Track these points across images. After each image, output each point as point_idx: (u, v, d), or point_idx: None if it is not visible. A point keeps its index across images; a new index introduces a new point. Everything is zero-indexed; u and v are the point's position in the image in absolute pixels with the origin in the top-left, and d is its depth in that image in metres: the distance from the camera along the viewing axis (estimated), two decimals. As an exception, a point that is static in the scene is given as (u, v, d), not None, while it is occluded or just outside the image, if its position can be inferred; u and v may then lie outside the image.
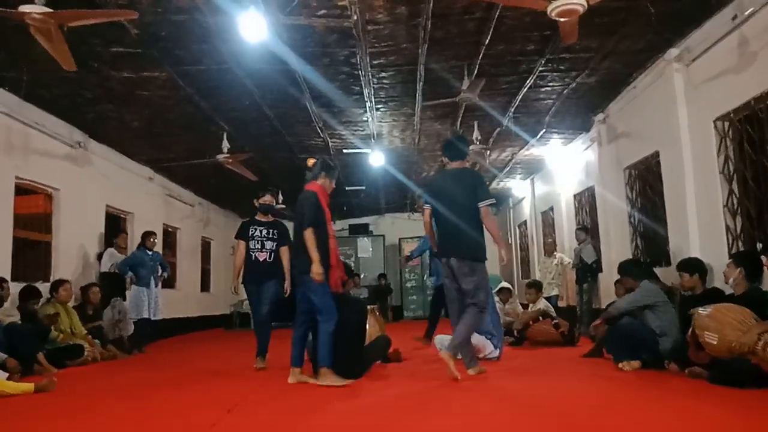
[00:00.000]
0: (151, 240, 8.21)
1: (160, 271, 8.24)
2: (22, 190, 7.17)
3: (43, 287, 6.78)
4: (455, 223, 4.68)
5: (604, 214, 8.51)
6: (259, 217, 5.92)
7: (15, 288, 6.28)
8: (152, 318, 8.00)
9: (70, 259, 7.95)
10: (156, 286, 8.08)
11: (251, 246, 5.76)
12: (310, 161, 5.06)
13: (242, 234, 5.87)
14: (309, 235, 4.53)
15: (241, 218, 16.21)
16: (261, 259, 5.75)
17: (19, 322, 5.91)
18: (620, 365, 4.87)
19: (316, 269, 4.45)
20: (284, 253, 5.77)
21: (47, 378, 4.69)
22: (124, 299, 8.06)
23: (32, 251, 7.45)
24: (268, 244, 5.79)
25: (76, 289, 7.38)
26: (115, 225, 9.41)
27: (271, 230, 5.86)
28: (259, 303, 5.75)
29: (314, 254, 4.47)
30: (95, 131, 8.29)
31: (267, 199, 5.97)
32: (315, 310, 4.60)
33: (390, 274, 15.89)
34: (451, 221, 4.70)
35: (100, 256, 8.34)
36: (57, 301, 6.72)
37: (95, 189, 8.65)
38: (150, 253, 8.15)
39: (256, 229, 5.83)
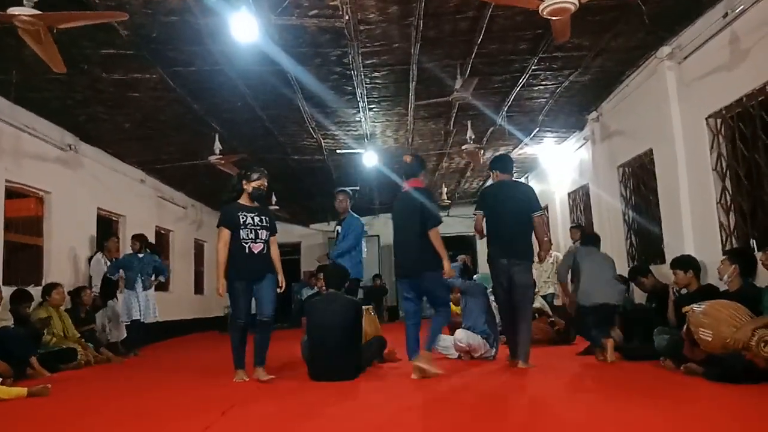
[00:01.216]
0: (137, 244, 8.04)
1: (154, 275, 8.14)
2: (12, 194, 7.12)
3: (35, 291, 6.73)
4: (514, 227, 5.17)
5: (598, 212, 8.54)
6: (244, 202, 5.02)
7: (6, 292, 6.21)
8: (143, 321, 7.90)
9: (62, 262, 7.90)
10: (145, 289, 7.91)
11: (243, 236, 4.87)
12: (408, 158, 5.12)
13: (229, 221, 4.90)
14: (437, 234, 4.77)
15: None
16: (256, 252, 4.90)
17: (11, 326, 5.86)
18: (603, 342, 5.28)
19: (449, 267, 4.79)
20: (274, 243, 5.10)
21: (41, 384, 4.64)
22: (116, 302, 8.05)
23: (24, 255, 7.39)
24: (263, 234, 4.95)
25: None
26: (107, 228, 9.37)
27: (263, 217, 5.02)
28: (249, 303, 4.94)
29: (443, 252, 4.75)
30: (86, 133, 8.23)
31: (263, 183, 5.05)
32: (435, 303, 4.89)
33: (385, 274, 15.87)
34: (509, 226, 5.16)
35: (91, 260, 8.30)
36: (49, 305, 6.66)
37: (87, 192, 8.60)
38: (140, 255, 8.06)
39: (246, 216, 4.92)
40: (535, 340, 6.98)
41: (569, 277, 5.91)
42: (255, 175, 5.01)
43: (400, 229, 4.99)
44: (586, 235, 6.77)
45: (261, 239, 4.93)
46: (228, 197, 5.06)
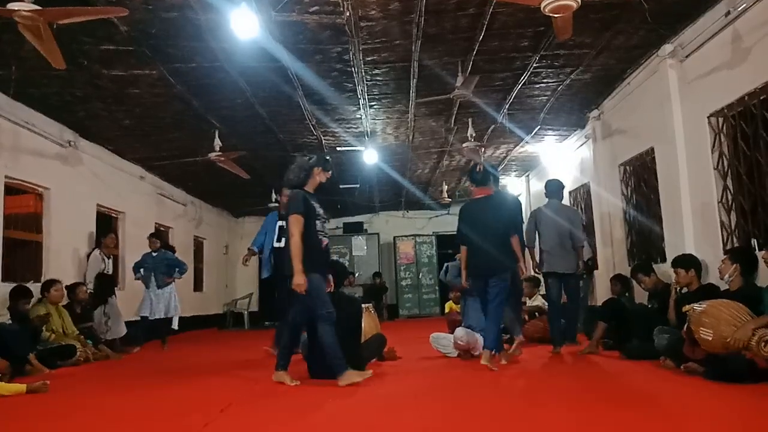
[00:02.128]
0: (151, 242, 8.62)
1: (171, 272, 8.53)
2: (12, 190, 7.10)
3: (34, 287, 6.71)
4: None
5: (599, 211, 8.51)
6: (310, 190, 4.52)
7: (5, 288, 6.22)
8: (150, 317, 8.30)
9: (61, 259, 7.88)
10: (159, 287, 8.36)
11: (318, 227, 4.38)
12: (481, 167, 5.41)
13: (305, 207, 4.32)
14: (518, 239, 5.33)
15: (235, 217, 16.12)
16: (324, 246, 4.45)
17: (9, 322, 5.85)
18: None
19: (524, 268, 5.44)
20: None
21: (40, 380, 4.63)
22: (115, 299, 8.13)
23: (23, 251, 7.38)
24: (326, 227, 4.56)
25: (66, 289, 7.35)
26: (106, 224, 9.37)
27: (323, 210, 4.59)
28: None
29: (520, 254, 5.34)
30: (86, 130, 8.21)
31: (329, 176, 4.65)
32: (494, 296, 5.07)
33: (385, 272, 15.87)
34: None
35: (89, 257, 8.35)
36: (48, 302, 6.65)
37: (86, 188, 8.59)
38: (154, 254, 8.46)
39: (316, 206, 4.44)
40: (536, 339, 7.02)
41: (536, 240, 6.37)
42: (329, 165, 4.62)
43: (477, 232, 5.20)
44: (548, 184, 6.62)
45: (325, 233, 4.52)
46: (297, 181, 4.53)
